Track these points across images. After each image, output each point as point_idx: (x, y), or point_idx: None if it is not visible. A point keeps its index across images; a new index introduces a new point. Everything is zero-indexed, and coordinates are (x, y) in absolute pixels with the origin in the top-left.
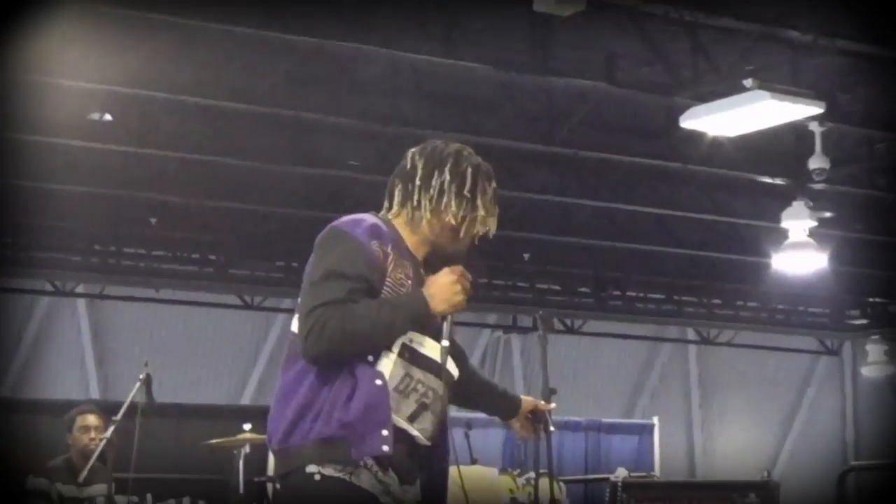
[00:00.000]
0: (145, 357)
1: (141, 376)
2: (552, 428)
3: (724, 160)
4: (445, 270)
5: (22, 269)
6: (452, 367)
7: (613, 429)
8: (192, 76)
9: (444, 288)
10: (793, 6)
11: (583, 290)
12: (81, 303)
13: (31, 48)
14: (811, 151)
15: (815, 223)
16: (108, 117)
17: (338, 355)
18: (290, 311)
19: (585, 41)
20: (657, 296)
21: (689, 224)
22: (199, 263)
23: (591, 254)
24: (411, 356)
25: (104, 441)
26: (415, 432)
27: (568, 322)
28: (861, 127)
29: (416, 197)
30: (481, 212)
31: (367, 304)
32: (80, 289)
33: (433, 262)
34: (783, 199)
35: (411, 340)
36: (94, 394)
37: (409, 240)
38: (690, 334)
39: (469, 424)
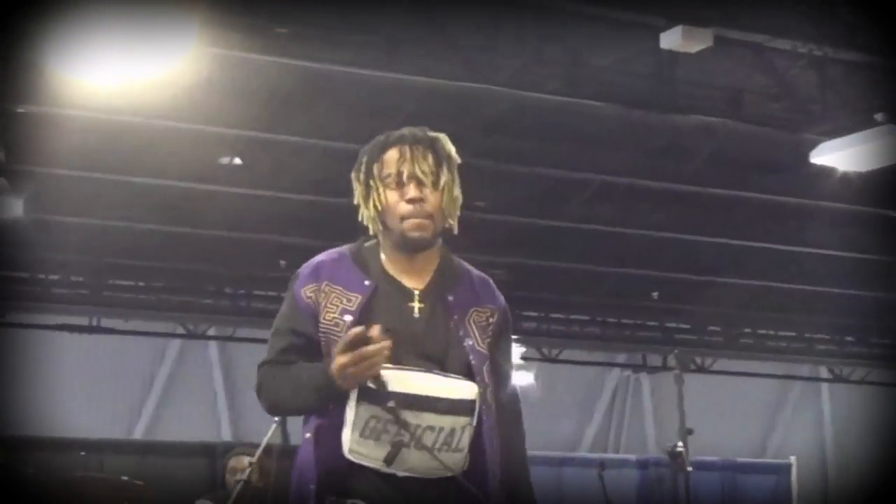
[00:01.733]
0: None
1: (276, 418)
2: (689, 468)
3: (853, 196)
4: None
5: (154, 311)
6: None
7: (749, 469)
8: (320, 119)
9: (338, 370)
10: None
11: (713, 328)
12: (213, 345)
13: (163, 94)
14: None
15: None
16: (237, 161)
17: (281, 413)
18: None
19: (712, 77)
20: (788, 333)
21: (819, 261)
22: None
23: (719, 292)
24: (376, 396)
25: (240, 484)
26: (402, 474)
27: (698, 360)
28: None
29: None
30: (379, 188)
31: (296, 367)
32: (211, 331)
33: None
34: None
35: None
36: (227, 436)
37: (388, 257)
38: (823, 372)
39: (603, 465)
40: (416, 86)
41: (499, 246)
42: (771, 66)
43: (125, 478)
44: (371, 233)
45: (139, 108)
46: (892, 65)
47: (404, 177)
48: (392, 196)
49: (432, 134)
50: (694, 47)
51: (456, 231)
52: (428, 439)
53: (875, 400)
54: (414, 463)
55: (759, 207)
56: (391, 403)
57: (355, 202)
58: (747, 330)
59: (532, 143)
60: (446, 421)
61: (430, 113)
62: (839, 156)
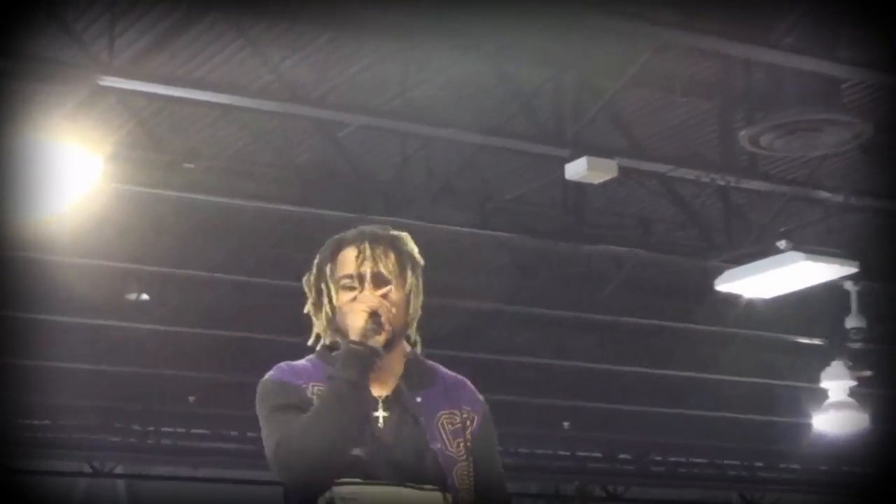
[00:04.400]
0: None
1: None
2: None
3: (761, 322)
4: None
5: (60, 450)
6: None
7: None
8: (227, 253)
9: (347, 314)
10: (823, 167)
11: (624, 456)
12: (121, 483)
13: (68, 230)
14: (848, 311)
15: (855, 382)
16: (145, 297)
17: (322, 461)
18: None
19: (619, 206)
20: (699, 460)
21: (728, 386)
22: (238, 441)
23: (631, 419)
24: None
25: None
26: None
27: (610, 489)
28: None
29: None
30: (332, 290)
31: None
32: (119, 469)
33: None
34: (822, 359)
35: (342, 498)
36: None
37: None
38: (734, 498)
39: None
40: (326, 219)
41: None
42: (676, 194)
43: None
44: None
45: (45, 246)
46: (794, 192)
47: (366, 278)
48: (345, 297)
49: (393, 231)
50: (599, 178)
51: (418, 344)
52: None
53: None
54: None
55: (669, 335)
56: None
57: (305, 311)
58: (658, 458)
59: (446, 275)
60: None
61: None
62: (744, 282)
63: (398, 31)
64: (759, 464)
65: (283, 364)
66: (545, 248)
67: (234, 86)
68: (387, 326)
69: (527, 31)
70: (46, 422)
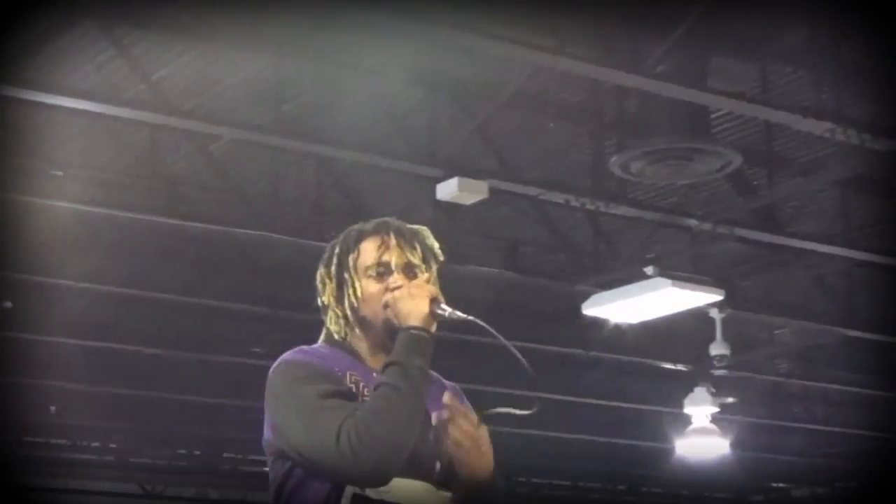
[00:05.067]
0: None
1: None
2: None
3: (627, 346)
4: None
5: None
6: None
7: None
8: (96, 263)
9: (402, 300)
10: (692, 195)
11: None
12: None
13: None
14: (712, 338)
15: (717, 409)
16: (8, 304)
17: (397, 452)
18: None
19: (489, 229)
20: (562, 482)
21: (593, 410)
22: (99, 452)
23: (495, 441)
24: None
25: None
26: None
27: None
28: (761, 313)
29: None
30: (352, 280)
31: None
32: None
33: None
34: (686, 384)
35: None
36: None
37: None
38: None
39: None
40: (195, 232)
41: None
42: (546, 218)
43: None
44: (338, 337)
45: None
46: (662, 219)
47: (391, 265)
48: (372, 286)
49: (414, 226)
50: (470, 199)
51: None
52: None
53: None
54: None
55: (536, 358)
56: None
57: (324, 302)
58: (522, 478)
59: (312, 290)
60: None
61: (212, 258)
62: (610, 307)
63: (272, 47)
64: (621, 487)
65: (304, 348)
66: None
67: (106, 95)
68: (446, 314)
69: (401, 51)
70: None
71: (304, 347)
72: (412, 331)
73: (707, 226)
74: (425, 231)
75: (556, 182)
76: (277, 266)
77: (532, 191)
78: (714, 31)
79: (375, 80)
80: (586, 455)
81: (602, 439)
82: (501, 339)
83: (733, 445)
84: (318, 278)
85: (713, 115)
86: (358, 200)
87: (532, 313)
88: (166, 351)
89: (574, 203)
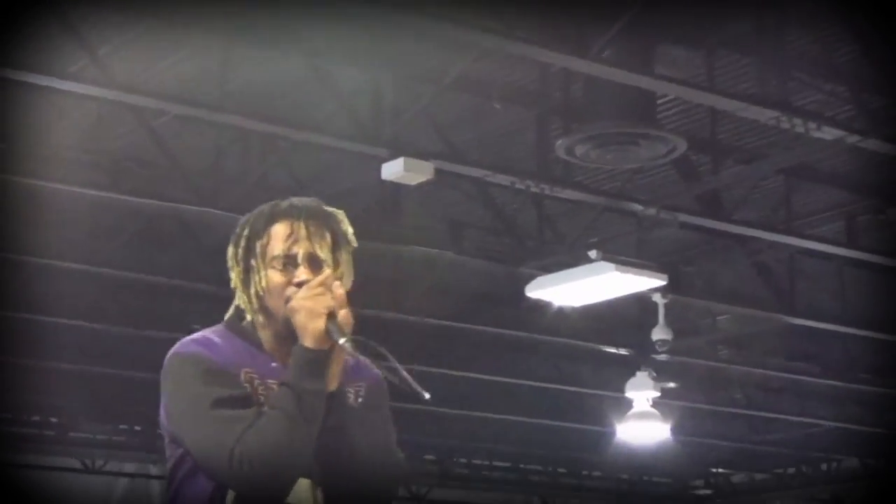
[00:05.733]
0: None
1: None
2: None
3: (569, 330)
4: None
5: None
6: None
7: None
8: (39, 237)
9: (300, 313)
10: (636, 180)
11: (428, 457)
12: None
13: None
14: (655, 322)
15: (658, 393)
16: None
17: (285, 473)
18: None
19: (433, 209)
20: (503, 464)
21: (534, 392)
22: (39, 426)
23: (436, 421)
24: None
25: None
26: None
27: (413, 489)
28: (703, 299)
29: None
30: (261, 269)
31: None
32: None
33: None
34: (627, 369)
35: None
36: None
37: (269, 347)
38: (536, 503)
39: None
40: (139, 207)
41: None
42: (491, 200)
43: None
44: (244, 323)
45: None
46: (607, 203)
47: (298, 258)
48: (277, 278)
49: (327, 208)
50: (415, 179)
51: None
52: None
53: None
54: None
55: (476, 339)
56: None
57: (232, 286)
58: (462, 460)
59: None
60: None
61: (154, 234)
62: (554, 290)
63: (218, 24)
64: (561, 470)
65: (198, 338)
66: (359, 248)
67: (51, 69)
68: (345, 330)
69: (347, 31)
70: None
71: (203, 336)
72: (306, 352)
73: (651, 211)
74: (339, 215)
75: (501, 164)
76: (220, 243)
77: (477, 172)
78: (660, 17)
79: (321, 60)
80: (527, 438)
81: (543, 422)
82: (394, 361)
83: (674, 430)
84: (228, 257)
85: (659, 102)
86: (302, 179)
87: (475, 295)
88: (108, 326)
89: (519, 186)
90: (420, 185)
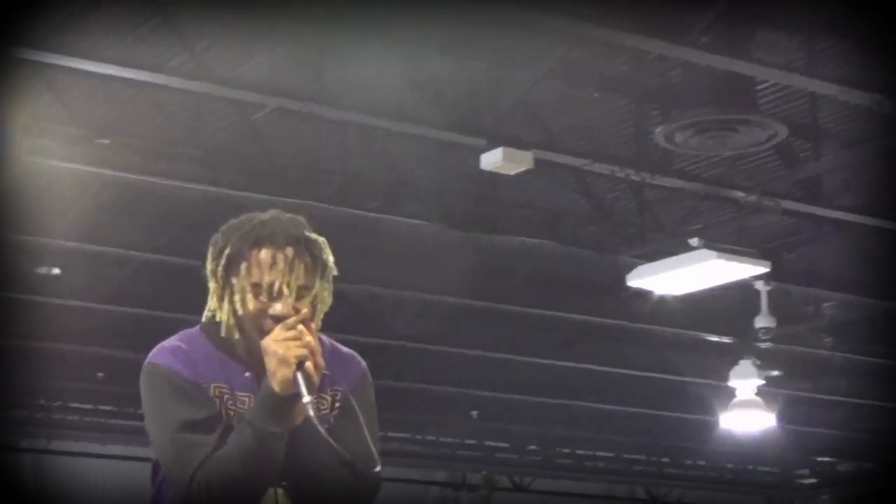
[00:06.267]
0: None
1: None
2: None
3: (670, 318)
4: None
5: None
6: None
7: None
8: (140, 231)
9: (271, 357)
10: (736, 167)
11: (531, 447)
12: (27, 458)
13: None
14: (757, 310)
15: (762, 382)
16: (56, 271)
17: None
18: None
19: (532, 198)
20: (606, 454)
21: (636, 382)
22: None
23: (539, 411)
24: None
25: None
26: None
27: (517, 479)
28: (806, 286)
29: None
30: (239, 290)
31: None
32: (24, 444)
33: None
34: (731, 357)
35: None
36: None
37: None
38: (640, 493)
39: None
40: (238, 201)
41: None
42: (590, 188)
43: None
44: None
45: None
46: (707, 190)
47: (274, 289)
48: (255, 305)
49: (309, 234)
50: (514, 169)
51: None
52: None
53: None
54: None
55: (578, 328)
56: None
57: (209, 288)
58: (565, 450)
59: (353, 259)
60: None
61: None
62: (655, 279)
63: (315, 16)
64: (665, 459)
65: (168, 345)
66: (454, 237)
67: (151, 63)
68: (314, 382)
69: (444, 21)
70: None
71: (178, 345)
72: (272, 397)
73: (752, 198)
74: (321, 243)
75: (599, 153)
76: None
77: (576, 161)
78: (758, 1)
79: (417, 50)
80: (630, 427)
81: (646, 411)
82: (331, 441)
83: (779, 418)
84: (207, 268)
85: (758, 87)
86: (399, 171)
87: (574, 285)
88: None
89: (618, 174)
90: (519, 175)
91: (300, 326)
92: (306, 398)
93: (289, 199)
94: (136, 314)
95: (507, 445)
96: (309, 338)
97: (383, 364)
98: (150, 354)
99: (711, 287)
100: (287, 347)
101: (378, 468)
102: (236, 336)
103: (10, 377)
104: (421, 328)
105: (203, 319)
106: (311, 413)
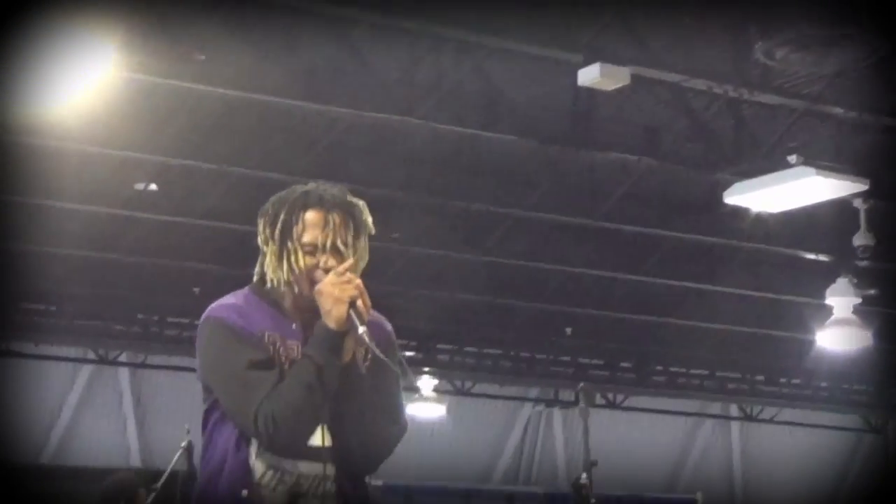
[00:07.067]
0: (187, 425)
1: (183, 444)
2: (593, 501)
3: (767, 236)
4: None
5: (65, 336)
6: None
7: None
8: (235, 147)
9: (326, 298)
10: (836, 84)
11: (624, 364)
12: (124, 371)
13: (80, 119)
14: (856, 228)
15: (859, 300)
16: (153, 187)
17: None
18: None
19: (628, 115)
20: (700, 371)
21: (731, 300)
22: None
23: (632, 329)
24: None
25: None
26: None
27: (610, 396)
28: None
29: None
30: (294, 251)
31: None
32: (122, 357)
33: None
34: (828, 275)
35: None
36: (136, 462)
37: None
38: (733, 410)
39: (511, 498)
40: (335, 116)
41: (412, 278)
42: (687, 105)
43: None
44: (271, 284)
45: (54, 133)
46: (806, 107)
47: (326, 245)
48: (309, 262)
49: (351, 199)
50: (611, 85)
51: None
52: (320, 487)
53: (784, 439)
54: None
55: (673, 246)
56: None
57: (263, 252)
58: (659, 367)
59: (448, 176)
60: (324, 468)
61: (348, 144)
62: (752, 196)
63: None
64: (759, 377)
65: (224, 302)
66: (551, 153)
67: None
68: (364, 317)
69: None
70: (52, 307)
71: (233, 302)
72: (328, 332)
73: (852, 115)
74: (361, 206)
75: (697, 69)
76: (414, 152)
77: (674, 77)
78: None
79: None
80: (724, 345)
81: (741, 329)
82: (378, 352)
83: (875, 337)
84: (261, 234)
85: (861, 2)
86: (497, 87)
87: (670, 201)
88: None
89: (716, 90)
90: (616, 91)
91: (349, 274)
92: (361, 328)
93: (385, 115)
94: (232, 230)
95: (600, 362)
96: (358, 281)
97: (477, 280)
98: (208, 310)
99: (809, 204)
100: (342, 289)
101: (405, 418)
102: (295, 290)
103: (110, 290)
104: (515, 245)
105: (254, 280)
106: (367, 340)
